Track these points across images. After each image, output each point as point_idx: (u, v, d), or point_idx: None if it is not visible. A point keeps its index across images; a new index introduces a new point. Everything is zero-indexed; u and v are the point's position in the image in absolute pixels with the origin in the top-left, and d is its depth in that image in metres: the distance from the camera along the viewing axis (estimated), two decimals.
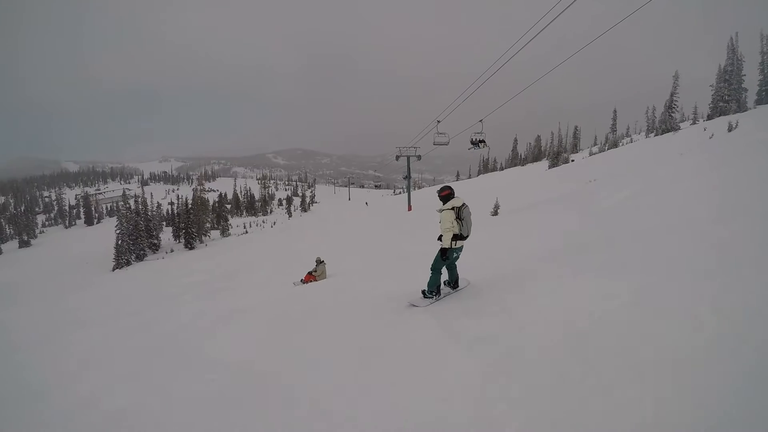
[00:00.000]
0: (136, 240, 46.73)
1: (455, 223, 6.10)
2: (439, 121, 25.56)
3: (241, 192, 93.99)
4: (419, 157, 35.74)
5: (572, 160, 42.46)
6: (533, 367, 3.68)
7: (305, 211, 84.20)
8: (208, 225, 55.92)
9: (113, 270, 42.73)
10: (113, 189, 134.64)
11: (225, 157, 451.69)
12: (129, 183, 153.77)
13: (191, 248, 49.34)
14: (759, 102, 34.43)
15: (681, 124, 40.11)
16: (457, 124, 21.35)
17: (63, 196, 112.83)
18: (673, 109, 39.56)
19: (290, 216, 76.99)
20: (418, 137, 27.27)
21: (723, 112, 33.82)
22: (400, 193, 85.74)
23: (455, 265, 6.62)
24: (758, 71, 34.94)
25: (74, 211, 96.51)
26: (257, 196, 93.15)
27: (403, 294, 7.10)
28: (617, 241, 7.18)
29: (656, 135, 38.53)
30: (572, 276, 5.70)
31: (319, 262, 13.94)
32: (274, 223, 67.63)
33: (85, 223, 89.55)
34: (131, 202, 53.40)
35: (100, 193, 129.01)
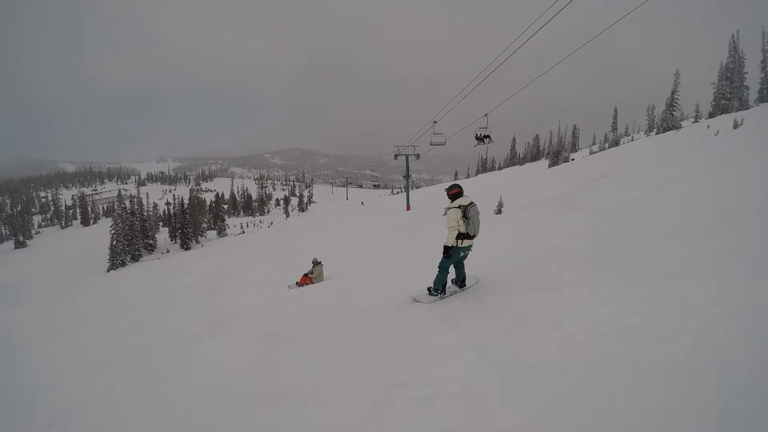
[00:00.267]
0: (132, 240, 46.27)
1: (461, 221, 5.99)
2: (435, 122, 25.47)
3: (238, 192, 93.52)
4: (418, 156, 35.31)
5: (572, 159, 42.11)
6: (535, 373, 3.56)
7: (303, 211, 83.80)
8: (204, 225, 55.55)
9: (108, 271, 42.38)
10: (110, 189, 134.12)
11: (223, 158, 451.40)
12: (126, 183, 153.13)
13: (187, 249, 48.97)
14: (761, 100, 34.10)
15: (682, 123, 39.79)
16: (456, 124, 21.00)
17: (59, 196, 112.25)
18: (674, 108, 39.22)
19: (287, 216, 76.66)
20: (415, 137, 27.08)
21: (725, 110, 33.50)
22: (397, 193, 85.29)
23: (463, 264, 6.51)
24: (759, 69, 34.61)
25: (70, 211, 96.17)
26: (254, 196, 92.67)
27: (403, 296, 6.84)
28: (632, 240, 6.78)
29: (657, 133, 38.19)
30: (582, 278, 5.48)
31: (316, 263, 13.04)
32: (271, 223, 67.28)
33: (81, 223, 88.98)
34: (126, 202, 52.89)
35: (96, 194, 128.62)
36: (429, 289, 6.49)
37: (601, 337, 3.78)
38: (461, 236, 6.02)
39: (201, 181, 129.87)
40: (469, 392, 3.51)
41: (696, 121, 38.57)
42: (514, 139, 70.88)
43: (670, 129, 36.19)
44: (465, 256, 6.39)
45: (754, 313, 3.35)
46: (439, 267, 6.27)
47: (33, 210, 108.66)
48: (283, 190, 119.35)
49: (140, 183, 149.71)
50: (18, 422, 5.44)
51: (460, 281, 6.54)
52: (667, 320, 3.66)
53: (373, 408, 3.59)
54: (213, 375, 5.36)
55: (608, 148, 41.47)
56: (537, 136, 65.36)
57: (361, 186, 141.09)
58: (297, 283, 12.69)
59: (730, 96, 34.63)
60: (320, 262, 13.11)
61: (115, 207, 54.47)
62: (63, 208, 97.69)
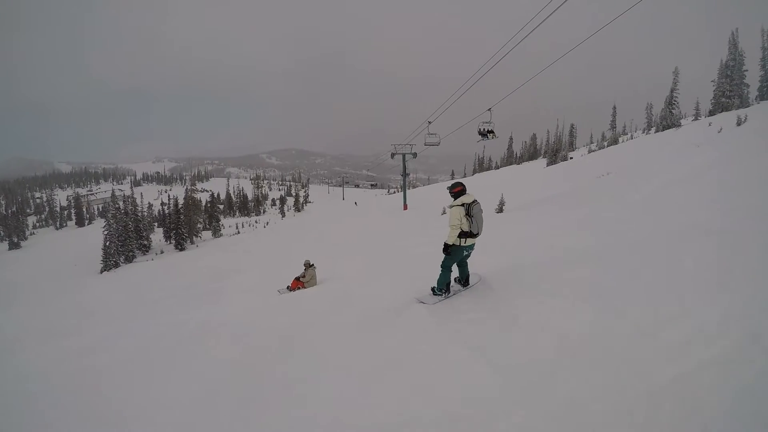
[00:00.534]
0: (125, 241, 45.58)
1: (464, 219, 5.89)
2: (430, 122, 25.52)
3: (233, 192, 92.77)
4: (415, 155, 34.87)
5: (571, 158, 41.75)
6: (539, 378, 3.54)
7: (299, 211, 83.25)
8: (199, 226, 54.97)
9: (101, 272, 41.77)
10: (105, 190, 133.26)
11: (219, 158, 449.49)
12: (122, 184, 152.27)
13: (181, 249, 48.37)
14: (761, 98, 33.79)
15: (681, 121, 39.46)
16: (451, 123, 20.63)
17: (54, 197, 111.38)
18: (674, 106, 38.85)
19: (283, 216, 76.07)
20: (410, 137, 27.08)
21: (725, 108, 33.12)
22: (394, 192, 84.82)
23: (466, 263, 6.51)
24: (759, 67, 34.35)
25: (65, 212, 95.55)
26: (250, 197, 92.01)
27: (406, 298, 6.63)
28: (649, 238, 6.33)
29: (657, 131, 37.83)
30: (586, 279, 5.29)
31: (308, 265, 12.20)
32: (267, 223, 66.64)
33: (76, 224, 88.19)
34: (120, 202, 52.32)
35: (92, 194, 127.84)
36: (433, 289, 6.41)
37: (602, 341, 3.74)
38: (464, 234, 5.93)
39: (197, 181, 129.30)
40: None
41: (696, 118, 38.23)
42: (510, 139, 70.43)
43: (669, 127, 35.83)
44: (468, 255, 6.33)
45: None
46: (441, 266, 6.22)
47: (28, 211, 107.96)
48: (279, 190, 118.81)
49: (136, 183, 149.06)
50: None
51: (464, 280, 6.54)
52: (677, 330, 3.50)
53: None
54: (177, 400, 4.81)
55: (607, 146, 41.09)
56: (534, 135, 64.95)
57: (357, 186, 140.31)
58: (288, 287, 11.96)
59: (730, 94, 34.27)
60: (312, 265, 12.28)
61: (109, 207, 53.93)
62: (58, 208, 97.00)
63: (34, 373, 7.67)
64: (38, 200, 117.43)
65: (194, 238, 52.00)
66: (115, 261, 43.58)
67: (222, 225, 61.36)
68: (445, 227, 6.04)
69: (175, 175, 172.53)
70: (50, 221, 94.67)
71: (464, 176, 74.85)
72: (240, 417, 4.30)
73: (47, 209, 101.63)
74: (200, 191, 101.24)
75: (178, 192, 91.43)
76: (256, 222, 71.02)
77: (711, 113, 35.05)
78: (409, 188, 43.42)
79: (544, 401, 3.15)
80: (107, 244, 43.90)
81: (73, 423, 5.23)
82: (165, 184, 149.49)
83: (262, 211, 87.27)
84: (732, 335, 3.16)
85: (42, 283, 35.63)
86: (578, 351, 3.71)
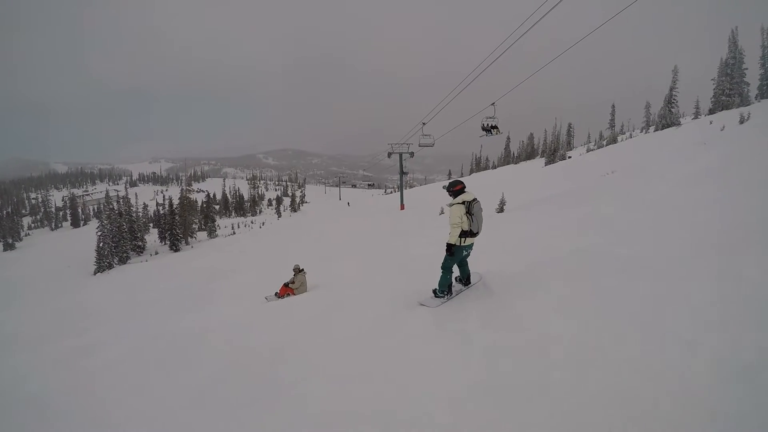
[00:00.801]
0: (119, 242, 45.09)
1: (465, 218, 5.83)
2: (424, 123, 25.63)
3: (230, 192, 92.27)
4: (412, 154, 34.49)
5: (569, 157, 41.43)
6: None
7: (295, 211, 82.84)
8: (194, 226, 54.51)
9: (94, 274, 41.33)
10: (101, 190, 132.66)
11: (216, 158, 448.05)
12: (118, 184, 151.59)
13: (176, 250, 47.93)
14: (762, 96, 33.50)
15: (681, 120, 39.18)
16: (447, 123, 20.32)
17: (50, 197, 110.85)
18: (673, 104, 38.54)
19: (279, 216, 75.69)
20: (406, 137, 27.04)
21: (726, 107, 32.85)
22: (391, 192, 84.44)
23: (467, 262, 6.48)
24: (759, 65, 34.14)
25: (61, 213, 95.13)
26: (246, 197, 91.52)
27: (407, 302, 6.43)
28: (668, 235, 5.98)
29: (656, 130, 37.52)
30: (591, 279, 5.26)
31: (298, 270, 11.33)
32: (263, 223, 66.18)
33: (71, 225, 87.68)
34: (114, 203, 51.82)
35: (87, 195, 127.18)
36: (434, 291, 6.30)
37: (605, 344, 3.70)
38: (464, 234, 5.87)
39: (193, 182, 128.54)
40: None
41: (696, 117, 37.94)
42: (508, 138, 70.09)
43: (669, 126, 35.51)
44: (468, 255, 6.31)
45: None
46: (442, 267, 6.14)
47: (23, 212, 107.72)
48: (276, 190, 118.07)
49: (132, 184, 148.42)
50: None
51: (465, 279, 6.52)
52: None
53: None
54: None
55: (606, 145, 40.78)
56: (531, 134, 64.65)
57: (355, 186, 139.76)
58: (276, 294, 11.20)
59: (730, 92, 34.00)
60: (302, 270, 11.43)
61: (103, 208, 53.47)
62: (53, 209, 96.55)
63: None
64: (33, 201, 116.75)
65: (189, 239, 51.54)
66: (108, 262, 43.13)
67: (218, 225, 60.96)
68: (443, 227, 5.84)
69: (171, 176, 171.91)
70: (45, 222, 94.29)
71: (461, 176, 74.44)
72: None
73: (42, 210, 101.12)
74: (196, 191, 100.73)
75: (174, 192, 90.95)
76: (251, 222, 70.60)
77: (711, 112, 34.77)
78: (406, 188, 43.09)
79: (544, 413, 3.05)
80: (101, 245, 43.45)
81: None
82: (161, 185, 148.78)
83: (258, 212, 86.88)
84: None
85: (32, 285, 35.09)
86: (583, 355, 3.63)
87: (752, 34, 34.95)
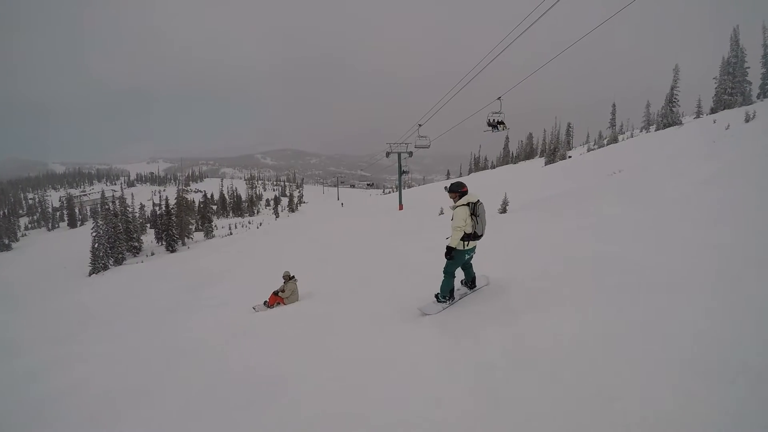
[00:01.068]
0: (115, 243, 44.60)
1: (469, 220, 5.56)
2: (420, 125, 25.43)
3: (227, 192, 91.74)
4: (410, 154, 34.11)
5: (569, 157, 41.06)
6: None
7: (293, 211, 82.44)
8: (191, 227, 54.06)
9: (89, 275, 40.84)
10: (98, 191, 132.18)
11: (214, 158, 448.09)
12: (115, 184, 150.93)
13: (172, 251, 47.44)
14: (764, 95, 33.22)
15: (682, 119, 38.86)
16: (445, 123, 20.04)
17: (47, 198, 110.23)
18: (674, 104, 38.19)
19: (277, 217, 75.23)
20: (404, 137, 27.08)
21: (728, 105, 32.53)
22: (389, 192, 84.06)
23: (470, 265, 6.22)
24: (761, 64, 33.87)
25: (57, 213, 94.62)
26: (244, 197, 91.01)
27: (403, 311, 6.18)
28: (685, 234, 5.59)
29: (657, 129, 37.18)
30: (598, 286, 5.04)
31: (289, 278, 10.56)
32: (260, 224, 65.67)
33: (68, 225, 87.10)
34: (110, 203, 51.39)
35: (84, 195, 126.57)
36: (436, 296, 6.07)
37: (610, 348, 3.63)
38: (467, 237, 5.59)
39: (191, 182, 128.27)
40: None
41: (698, 116, 37.60)
42: (507, 138, 69.83)
43: (670, 125, 35.15)
44: (470, 258, 6.04)
45: None
46: (444, 272, 5.88)
47: (20, 212, 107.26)
48: (274, 190, 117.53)
49: (129, 184, 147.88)
50: None
51: (471, 281, 6.27)
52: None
53: None
54: None
55: (607, 144, 40.42)
56: (530, 134, 64.41)
57: (353, 186, 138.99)
58: (265, 302, 10.42)
59: (732, 91, 33.66)
60: (293, 277, 10.68)
61: (98, 209, 53.04)
62: (50, 209, 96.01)
63: None
64: (30, 201, 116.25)
65: (186, 240, 51.09)
66: (104, 263, 42.65)
67: (215, 226, 60.46)
68: (443, 227, 5.50)
69: (169, 176, 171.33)
70: (42, 222, 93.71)
71: (460, 176, 74.14)
72: None
73: (39, 210, 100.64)
74: (193, 192, 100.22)
75: (172, 193, 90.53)
76: (249, 223, 70.08)
77: (713, 111, 34.45)
78: (404, 188, 42.70)
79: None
80: (95, 246, 43.00)
81: None
82: (159, 185, 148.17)
83: (255, 212, 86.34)
84: None
85: (24, 286, 34.61)
86: (585, 364, 3.51)
87: (754, 33, 34.69)
